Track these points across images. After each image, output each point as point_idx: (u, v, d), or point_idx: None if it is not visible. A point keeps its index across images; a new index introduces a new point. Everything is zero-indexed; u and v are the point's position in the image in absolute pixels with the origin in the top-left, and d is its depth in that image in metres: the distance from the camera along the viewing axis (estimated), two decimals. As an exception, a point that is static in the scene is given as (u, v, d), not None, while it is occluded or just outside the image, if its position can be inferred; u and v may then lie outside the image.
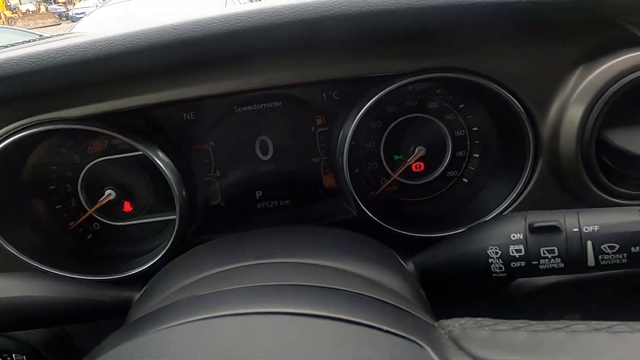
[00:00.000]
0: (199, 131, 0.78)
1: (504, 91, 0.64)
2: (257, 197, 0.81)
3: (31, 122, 0.64)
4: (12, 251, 0.68)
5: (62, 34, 1.23)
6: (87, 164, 0.76)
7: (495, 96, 0.66)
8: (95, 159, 0.75)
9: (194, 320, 0.34)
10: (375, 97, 0.65)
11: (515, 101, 0.64)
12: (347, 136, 0.67)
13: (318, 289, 0.39)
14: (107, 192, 0.75)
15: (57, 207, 0.78)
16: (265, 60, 0.67)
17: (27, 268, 0.70)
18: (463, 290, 0.69)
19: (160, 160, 0.66)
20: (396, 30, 0.64)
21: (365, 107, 0.66)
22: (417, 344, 0.33)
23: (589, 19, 0.63)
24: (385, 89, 0.65)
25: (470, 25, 0.64)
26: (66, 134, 0.74)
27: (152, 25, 0.60)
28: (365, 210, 0.68)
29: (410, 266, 0.58)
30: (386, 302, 0.39)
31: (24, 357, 0.77)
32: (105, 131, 0.65)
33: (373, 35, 0.64)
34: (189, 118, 0.77)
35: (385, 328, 0.34)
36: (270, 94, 0.77)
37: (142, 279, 0.65)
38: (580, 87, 0.63)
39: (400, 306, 0.39)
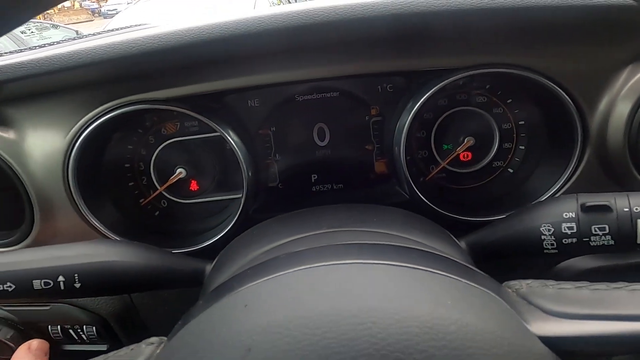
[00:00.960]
0: (262, 117, 0.84)
1: (555, 87, 0.69)
2: (313, 180, 0.87)
3: (127, 101, 0.71)
4: (95, 223, 0.76)
5: (130, 27, 1.31)
6: (160, 144, 0.82)
7: (545, 91, 0.71)
8: (169, 140, 0.81)
9: (301, 269, 0.37)
10: (433, 89, 0.70)
11: (566, 96, 0.69)
12: (404, 126, 0.72)
13: (397, 247, 0.45)
14: (178, 170, 0.82)
15: (130, 184, 0.85)
16: (328, 54, 0.72)
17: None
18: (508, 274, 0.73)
19: (234, 141, 0.73)
20: (455, 28, 0.69)
21: (422, 99, 0.71)
22: (492, 295, 0.38)
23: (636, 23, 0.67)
24: (441, 82, 0.70)
25: (524, 26, 0.68)
26: (145, 115, 0.81)
27: (230, 18, 0.66)
28: (419, 193, 0.73)
29: (462, 244, 0.63)
30: (458, 261, 0.44)
31: (94, 328, 0.82)
32: (189, 112, 0.71)
33: (433, 33, 0.69)
34: (253, 104, 0.83)
35: (463, 280, 0.38)
36: (329, 85, 0.83)
37: (206, 254, 0.70)
38: (629, 84, 0.68)
39: (469, 266, 0.44)
